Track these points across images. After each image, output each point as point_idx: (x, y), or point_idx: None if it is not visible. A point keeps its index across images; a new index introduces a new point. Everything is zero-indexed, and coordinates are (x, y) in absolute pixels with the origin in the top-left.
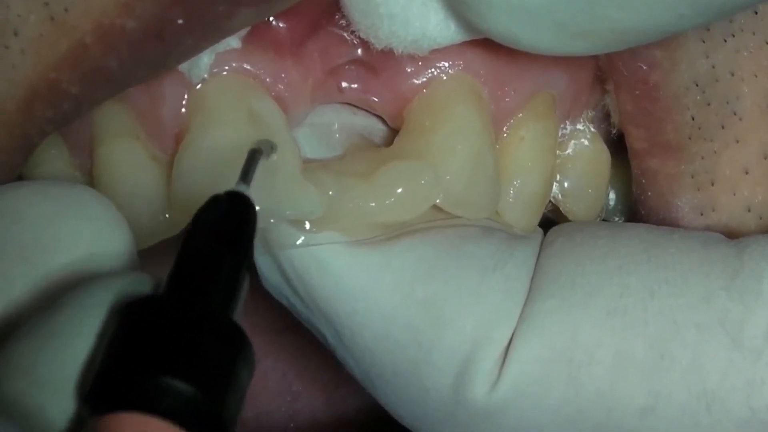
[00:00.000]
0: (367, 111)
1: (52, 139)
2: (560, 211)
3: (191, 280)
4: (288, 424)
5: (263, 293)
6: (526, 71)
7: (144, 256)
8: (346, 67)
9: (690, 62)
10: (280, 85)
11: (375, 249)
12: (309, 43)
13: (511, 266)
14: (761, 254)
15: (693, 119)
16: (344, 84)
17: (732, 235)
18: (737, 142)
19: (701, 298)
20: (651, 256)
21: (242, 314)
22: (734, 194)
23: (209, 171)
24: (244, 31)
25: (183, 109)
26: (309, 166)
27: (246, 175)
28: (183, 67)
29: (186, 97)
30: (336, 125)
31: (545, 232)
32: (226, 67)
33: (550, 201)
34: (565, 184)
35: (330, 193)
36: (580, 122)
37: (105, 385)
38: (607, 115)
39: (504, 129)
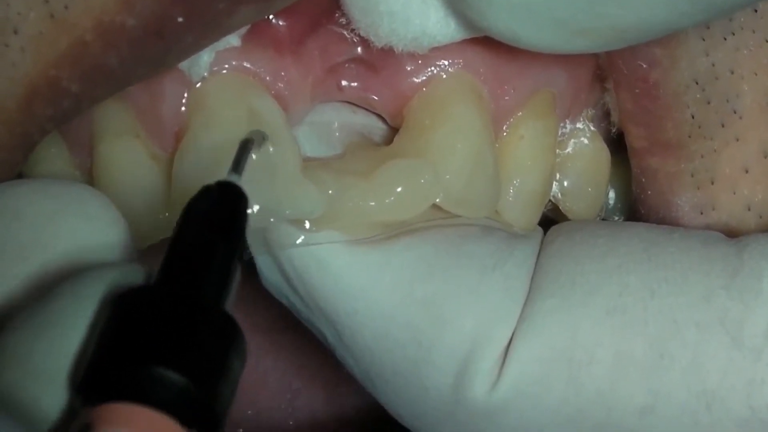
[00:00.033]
0: (366, 109)
1: (52, 137)
2: (560, 210)
3: (183, 271)
4: (288, 421)
5: (263, 292)
6: (525, 69)
7: (144, 255)
8: (346, 65)
9: (690, 60)
10: (279, 84)
11: (375, 248)
12: (309, 42)
13: (511, 265)
14: (761, 253)
15: (693, 117)
16: (344, 82)
17: (732, 233)
18: (737, 140)
19: (701, 297)
20: (651, 255)
21: (234, 304)
22: (734, 193)
23: (209, 169)
24: (243, 30)
25: (183, 108)
26: (309, 164)
27: (237, 165)
28: (183, 65)
29: (186, 95)
30: (336, 124)
31: (545, 231)
32: (226, 66)
33: (549, 200)
34: (565, 183)
35: (330, 192)
36: (580, 121)
37: (97, 376)
38: (606, 114)
39: (504, 127)
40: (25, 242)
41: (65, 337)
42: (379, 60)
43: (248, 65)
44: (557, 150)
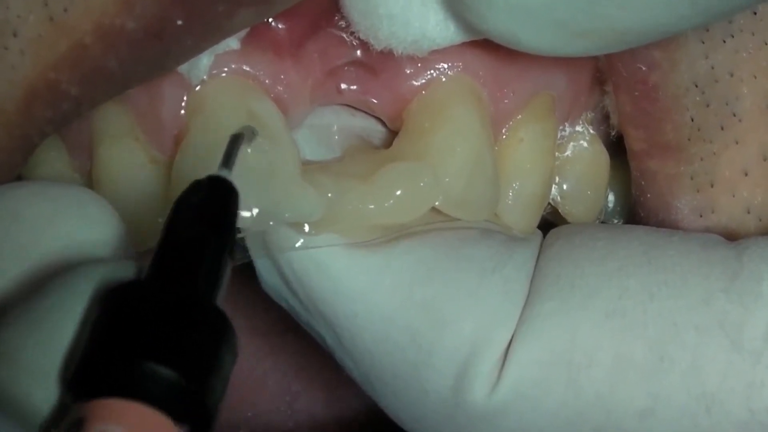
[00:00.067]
0: (366, 112)
1: (51, 140)
2: (559, 213)
3: (173, 265)
4: (287, 423)
5: (262, 295)
6: (525, 72)
7: (142, 258)
8: (346, 68)
9: (689, 63)
10: (279, 87)
11: (374, 251)
12: (308, 45)
13: (510, 268)
14: (761, 256)
15: (692, 120)
16: (343, 85)
17: (731, 236)
18: (736, 143)
19: (701, 300)
20: (650, 258)
21: (224, 299)
22: (733, 195)
23: (208, 172)
24: (243, 33)
25: (182, 111)
26: (308, 167)
27: (228, 160)
28: (182, 68)
29: (185, 98)
30: (335, 127)
31: (544, 234)
32: (225, 69)
33: (549, 203)
34: (564, 186)
35: (329, 195)
36: (580, 124)
37: (87, 372)
38: (606, 117)
39: (503, 130)
40: (24, 243)
41: (56, 332)
42: (378, 63)
43: (247, 68)
44: (556, 153)
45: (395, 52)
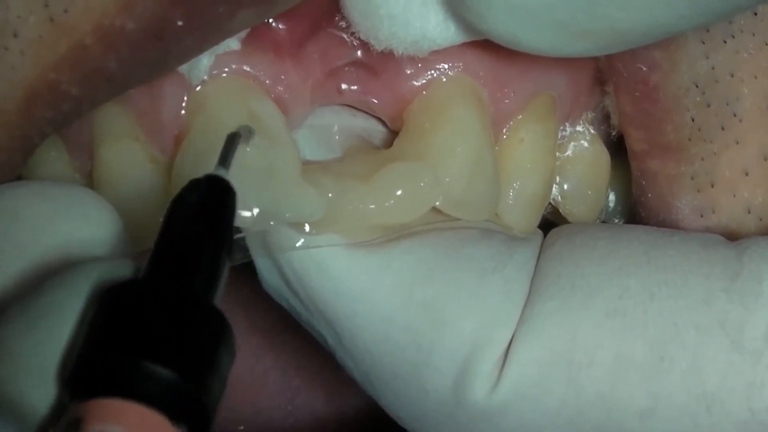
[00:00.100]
0: (366, 113)
1: (52, 140)
2: (560, 213)
3: (171, 265)
4: (288, 421)
5: (263, 294)
6: (525, 73)
7: (142, 257)
8: (346, 68)
9: (690, 63)
10: (279, 87)
11: (375, 251)
12: (309, 45)
13: (511, 268)
14: (761, 256)
15: (693, 120)
16: (344, 85)
17: (732, 236)
18: (737, 143)
19: (701, 299)
20: (651, 258)
21: (223, 298)
22: (734, 196)
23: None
24: (243, 33)
25: (183, 111)
26: (308, 168)
27: (225, 159)
28: (183, 68)
29: (186, 98)
30: (336, 127)
31: (545, 233)
32: (226, 69)
33: (549, 203)
34: (565, 186)
35: (329, 195)
36: (580, 124)
37: (85, 371)
38: (606, 117)
39: (504, 131)
40: (24, 243)
41: (54, 331)
42: (379, 63)
43: (248, 68)
44: (557, 153)
45: (395, 53)
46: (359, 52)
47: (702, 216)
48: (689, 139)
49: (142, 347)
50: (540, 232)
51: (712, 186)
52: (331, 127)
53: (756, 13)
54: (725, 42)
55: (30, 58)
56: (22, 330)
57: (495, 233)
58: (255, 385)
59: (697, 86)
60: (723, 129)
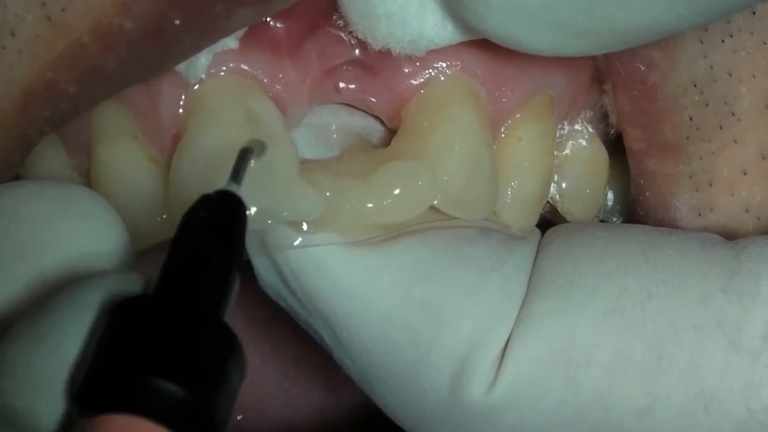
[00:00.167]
0: (364, 111)
1: (49, 139)
2: (558, 212)
3: (181, 280)
4: (286, 409)
5: (257, 287)
6: (524, 72)
7: (141, 257)
8: (344, 67)
9: (688, 62)
10: (277, 86)
11: (373, 250)
12: (307, 44)
13: (509, 267)
14: (759, 255)
15: (691, 119)
16: (342, 84)
17: (730, 235)
18: (735, 142)
19: (699, 299)
20: (649, 257)
21: (232, 315)
22: (732, 195)
23: (207, 171)
24: (241, 32)
25: (180, 110)
26: (306, 166)
27: (237, 174)
28: (180, 67)
29: (183, 97)
30: (334, 126)
31: (543, 232)
32: (224, 68)
33: (547, 202)
34: (563, 185)
35: (327, 194)
36: (578, 123)
37: (94, 386)
38: (605, 116)
39: (502, 129)
40: (24, 243)
41: (63, 346)
42: (376, 62)
43: (246, 67)
44: (555, 152)
45: (393, 52)
46: (357, 51)
47: (700, 215)
48: (687, 138)
49: (151, 363)
50: (538, 231)
51: (711, 185)
52: (329, 126)
53: (754, 12)
54: (723, 41)
55: (27, 57)
56: (31, 344)
57: (493, 232)
58: (253, 375)
59: (695, 85)
60: (721, 128)
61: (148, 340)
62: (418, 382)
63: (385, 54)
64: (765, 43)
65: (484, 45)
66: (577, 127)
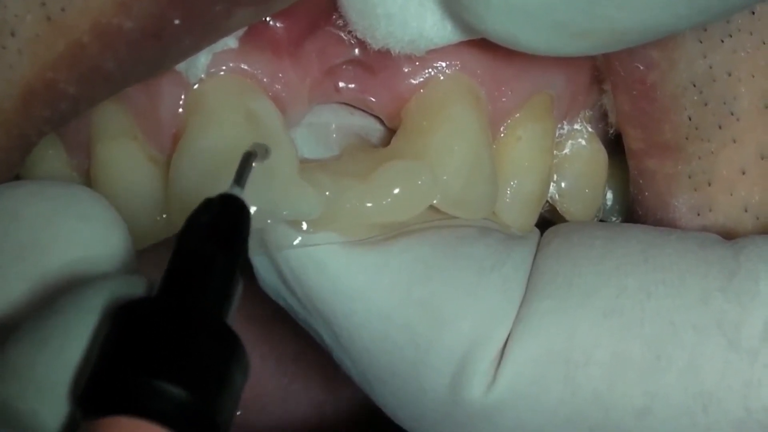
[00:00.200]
0: (364, 111)
1: (49, 139)
2: (557, 212)
3: (184, 283)
4: (284, 405)
5: (257, 285)
6: (523, 72)
7: (141, 257)
8: (344, 67)
9: (687, 62)
10: (277, 85)
11: (372, 249)
12: (306, 43)
13: (509, 267)
14: (758, 255)
15: (690, 119)
16: (341, 84)
17: (729, 235)
18: (734, 142)
19: (698, 299)
20: (648, 257)
21: (235, 317)
22: (731, 194)
23: (206, 171)
24: (241, 31)
25: (180, 110)
26: (306, 166)
27: (240, 177)
28: (180, 67)
29: (183, 97)
30: (333, 125)
31: (542, 232)
32: (224, 67)
33: (547, 201)
34: (563, 185)
35: (327, 193)
36: (578, 122)
37: (98, 389)
38: (604, 115)
39: (501, 129)
40: (24, 243)
41: (67, 349)
42: (376, 62)
43: (246, 67)
44: (555, 151)
45: (393, 52)
46: (357, 51)
47: (699, 215)
48: (687, 138)
49: (155, 365)
50: (537, 230)
51: (710, 185)
52: (329, 126)
53: (753, 12)
54: (723, 41)
55: (27, 56)
56: (34, 347)
57: (493, 232)
58: (252, 372)
59: (694, 85)
60: (720, 128)
61: (152, 342)
62: (417, 382)
63: (385, 54)
64: (764, 43)
65: (483, 45)
66: (577, 126)
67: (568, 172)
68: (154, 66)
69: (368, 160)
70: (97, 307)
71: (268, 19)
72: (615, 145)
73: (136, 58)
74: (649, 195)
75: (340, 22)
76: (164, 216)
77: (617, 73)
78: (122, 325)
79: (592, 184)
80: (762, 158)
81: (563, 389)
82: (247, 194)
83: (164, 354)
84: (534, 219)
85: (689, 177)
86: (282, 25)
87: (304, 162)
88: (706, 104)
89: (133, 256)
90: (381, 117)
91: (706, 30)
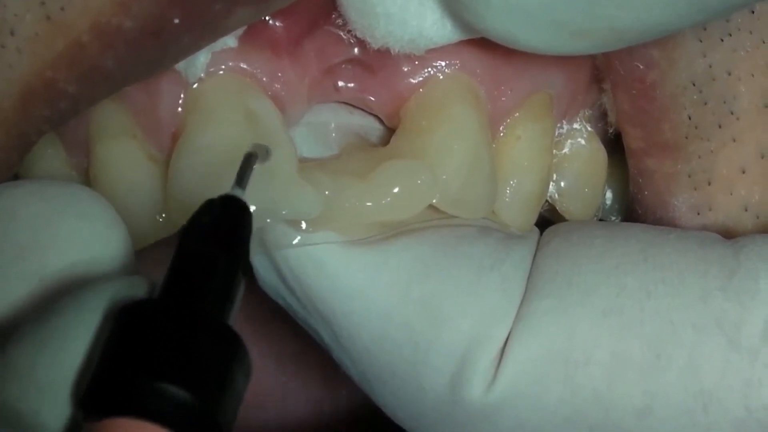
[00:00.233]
0: (363, 110)
1: (48, 138)
2: (557, 211)
3: (186, 284)
4: (283, 404)
5: (257, 284)
6: (523, 71)
7: (140, 256)
8: (343, 66)
9: (687, 61)
10: (276, 85)
11: (372, 248)
12: (306, 43)
13: (508, 266)
14: (758, 254)
15: (690, 118)
16: (341, 83)
17: (729, 234)
18: (734, 141)
19: (698, 298)
20: (648, 256)
21: (236, 319)
22: (731, 193)
23: (206, 170)
24: (240, 31)
25: (180, 109)
26: (305, 165)
27: (241, 179)
28: (179, 66)
29: (183, 96)
30: (333, 124)
31: (542, 231)
32: (223, 67)
33: (546, 200)
34: (562, 184)
35: (326, 192)
36: (577, 121)
37: (100, 390)
38: (604, 115)
39: (501, 128)
40: (23, 243)
41: (68, 350)
42: (375, 61)
43: (245, 66)
44: (554, 150)
45: (392, 51)
46: (356, 50)
47: (699, 214)
48: (686, 137)
49: (157, 367)
50: (537, 229)
51: (709, 184)
52: (328, 125)
53: (753, 11)
54: (722, 40)
55: (27, 56)
56: (36, 348)
57: (492, 231)
58: None
59: (694, 84)
60: (720, 127)
61: (153, 343)
62: (417, 382)
63: (384, 53)
64: (764, 42)
65: (483, 44)
66: (576, 126)
67: (568, 172)
68: (154, 65)
69: (367, 160)
70: (98, 308)
71: (267, 18)
72: (614, 145)
73: (136, 57)
74: (649, 194)
75: (339, 21)
76: (163, 215)
77: (617, 72)
78: (124, 327)
79: (591, 183)
80: (762, 157)
81: (563, 389)
82: (247, 194)
83: (166, 355)
84: (533, 218)
85: (689, 176)
86: (281, 24)
87: (303, 161)
88: (705, 103)
89: (132, 255)
90: (380, 116)
91: (705, 29)
